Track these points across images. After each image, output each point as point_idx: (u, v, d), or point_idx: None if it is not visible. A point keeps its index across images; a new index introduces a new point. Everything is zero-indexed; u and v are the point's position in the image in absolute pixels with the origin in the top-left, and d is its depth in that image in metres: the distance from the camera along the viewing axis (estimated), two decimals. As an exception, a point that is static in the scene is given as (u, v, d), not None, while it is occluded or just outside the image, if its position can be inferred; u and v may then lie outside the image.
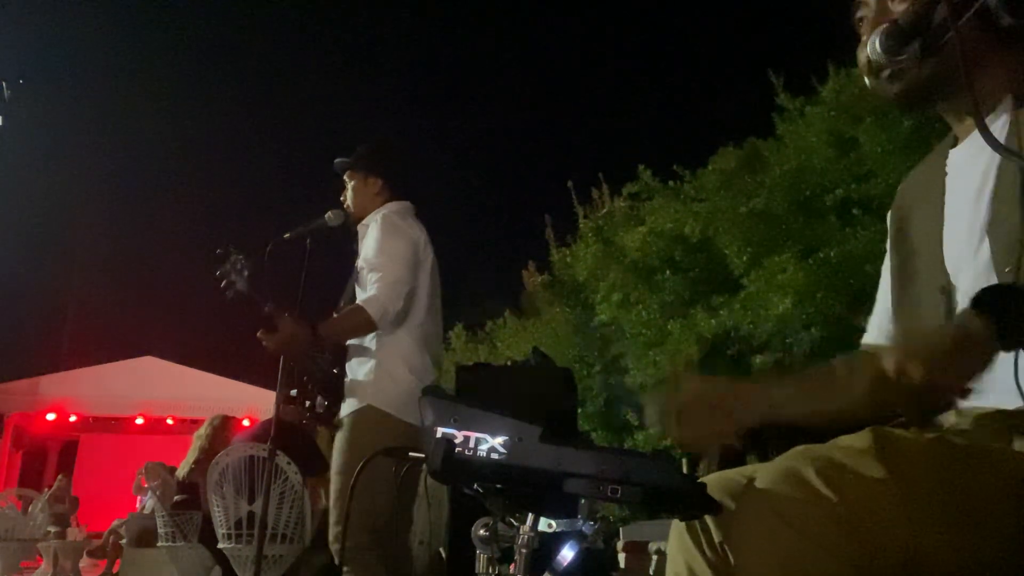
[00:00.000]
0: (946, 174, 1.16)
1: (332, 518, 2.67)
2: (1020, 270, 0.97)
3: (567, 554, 2.20)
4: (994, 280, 1.00)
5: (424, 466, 0.99)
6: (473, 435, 0.97)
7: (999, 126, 1.06)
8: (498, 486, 1.05)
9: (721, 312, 6.57)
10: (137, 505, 8.16)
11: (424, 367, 2.75)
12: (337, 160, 3.05)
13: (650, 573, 3.99)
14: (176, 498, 4.80)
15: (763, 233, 6.56)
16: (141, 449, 11.15)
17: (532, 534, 1.68)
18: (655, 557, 3.97)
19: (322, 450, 3.88)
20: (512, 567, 1.79)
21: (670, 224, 7.44)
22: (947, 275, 1.09)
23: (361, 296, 2.73)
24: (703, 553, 1.07)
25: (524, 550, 1.68)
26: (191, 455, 5.13)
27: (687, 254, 7.47)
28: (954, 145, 1.18)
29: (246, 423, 7.30)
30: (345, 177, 3.04)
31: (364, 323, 2.63)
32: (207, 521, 3.94)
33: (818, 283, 5.92)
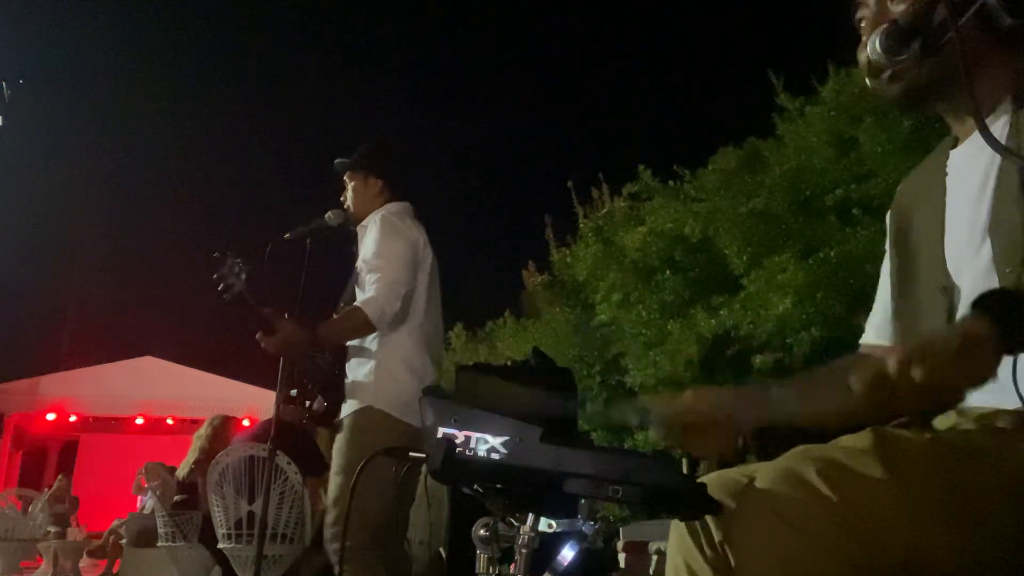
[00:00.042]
0: (946, 174, 1.16)
1: (329, 518, 2.67)
2: (1022, 271, 0.97)
3: (567, 554, 2.20)
4: (995, 280, 1.00)
5: (424, 466, 0.99)
6: (473, 435, 0.97)
7: (1000, 126, 1.06)
8: (498, 486, 1.05)
9: (721, 312, 6.57)
10: (137, 505, 8.16)
11: (424, 368, 2.75)
12: (337, 160, 3.05)
13: (650, 573, 3.99)
14: (176, 498, 4.80)
15: (763, 233, 6.56)
16: (141, 449, 11.16)
17: (532, 534, 1.68)
18: (655, 557, 3.98)
19: (322, 450, 3.87)
20: (512, 567, 1.80)
21: (670, 224, 7.44)
22: (948, 276, 1.09)
23: (360, 297, 2.73)
24: (703, 553, 1.07)
25: (524, 550, 1.68)
26: (191, 455, 5.13)
27: (687, 254, 7.47)
28: (954, 146, 1.18)
29: (246, 423, 7.30)
30: (345, 178, 3.04)
31: (363, 324, 2.63)
32: (207, 521, 3.94)
33: (818, 283, 5.92)
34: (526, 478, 0.96)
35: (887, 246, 1.28)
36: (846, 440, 0.91)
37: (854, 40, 1.21)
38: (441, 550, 3.67)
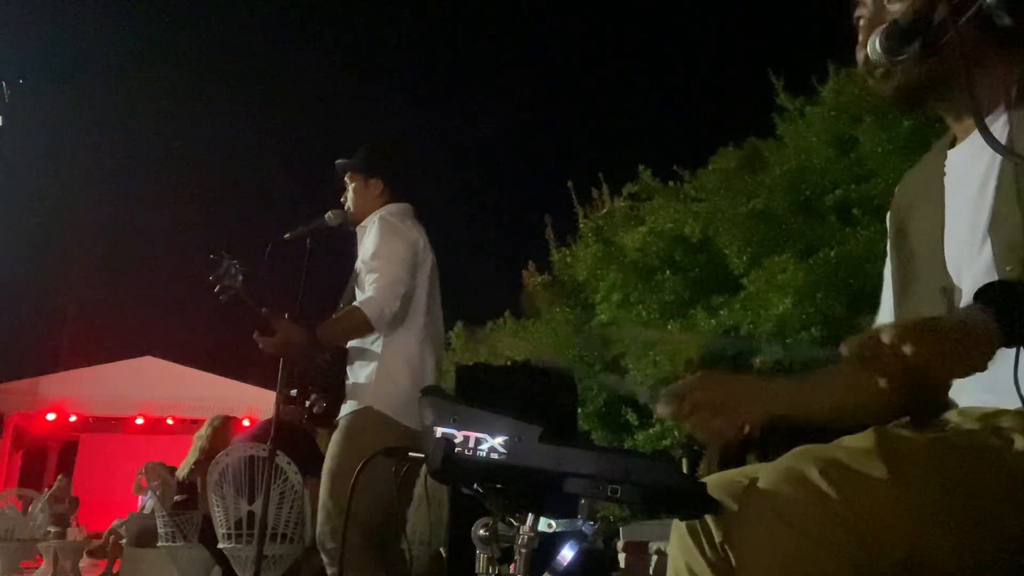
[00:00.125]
0: (945, 174, 1.16)
1: (321, 517, 2.66)
2: (1022, 270, 0.97)
3: (567, 554, 2.20)
4: (996, 278, 1.00)
5: (424, 466, 0.99)
6: (473, 435, 0.97)
7: (999, 126, 1.06)
8: (498, 486, 1.05)
9: (721, 312, 6.58)
10: (138, 505, 8.16)
11: (425, 369, 2.75)
12: (338, 161, 3.05)
13: (650, 573, 3.99)
14: (176, 498, 4.80)
15: (763, 233, 6.57)
16: (141, 449, 11.14)
17: (532, 534, 1.68)
18: (655, 557, 3.98)
19: (322, 450, 3.87)
20: (512, 567, 1.79)
21: (670, 224, 7.44)
22: (948, 276, 1.09)
23: (360, 297, 2.72)
24: (703, 553, 1.07)
25: (524, 550, 1.68)
26: (191, 455, 5.13)
27: (687, 254, 7.48)
28: (952, 145, 1.18)
29: (246, 423, 7.30)
30: (346, 178, 3.04)
31: (361, 324, 2.63)
32: (207, 521, 3.94)
33: (818, 283, 5.93)
34: (526, 478, 0.96)
35: (888, 247, 1.28)
36: (847, 440, 0.91)
37: (854, 40, 1.21)
38: (441, 550, 3.68)
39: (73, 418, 12.79)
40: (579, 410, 7.54)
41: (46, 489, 10.50)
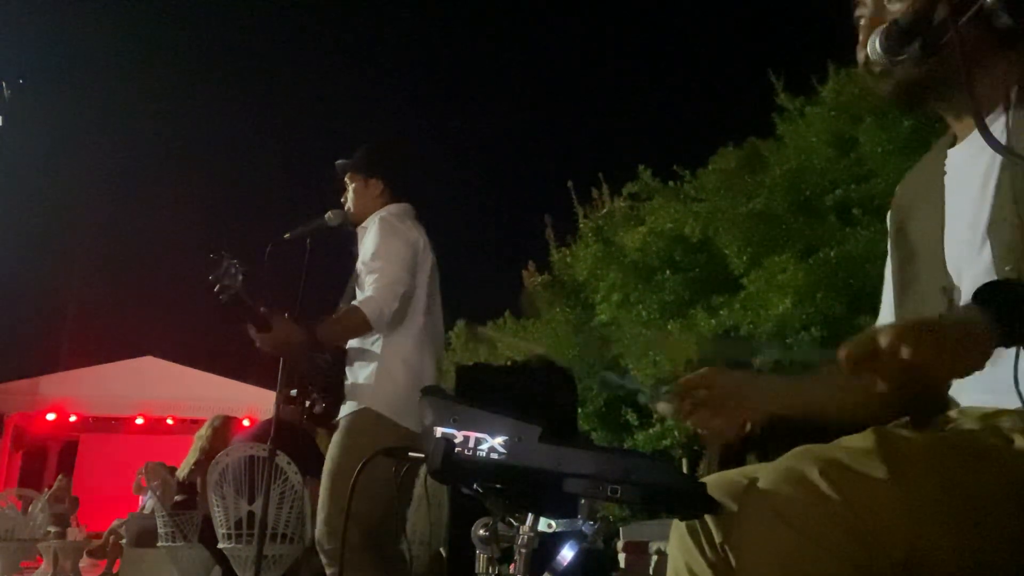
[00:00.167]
0: (945, 173, 1.15)
1: (320, 517, 2.66)
2: (1022, 271, 0.97)
3: (567, 554, 2.20)
4: (996, 279, 1.00)
5: (423, 467, 0.99)
6: (473, 435, 0.97)
7: (999, 126, 1.06)
8: (498, 486, 1.05)
9: (721, 312, 6.58)
10: (139, 505, 8.16)
11: (424, 370, 2.75)
12: (338, 162, 3.04)
13: (650, 573, 3.99)
14: (176, 498, 4.80)
15: (763, 233, 6.57)
16: (141, 449, 11.14)
17: (532, 534, 1.68)
18: (655, 557, 3.98)
19: (322, 451, 3.87)
20: (512, 567, 1.79)
21: (670, 224, 7.44)
22: (949, 276, 1.09)
23: (360, 297, 2.72)
24: (703, 553, 1.07)
25: (524, 550, 1.68)
26: (191, 456, 5.13)
27: (687, 254, 7.48)
28: (952, 144, 1.17)
29: (246, 423, 7.30)
30: (346, 179, 3.04)
31: (361, 324, 2.63)
32: (207, 521, 3.94)
33: (818, 283, 5.93)
34: (525, 478, 0.96)
35: (888, 246, 1.28)
36: (847, 440, 0.91)
37: (854, 40, 1.21)
38: (441, 550, 3.68)
39: (73, 418, 12.79)
40: (579, 410, 7.54)
41: (46, 489, 10.50)
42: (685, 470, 6.73)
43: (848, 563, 0.81)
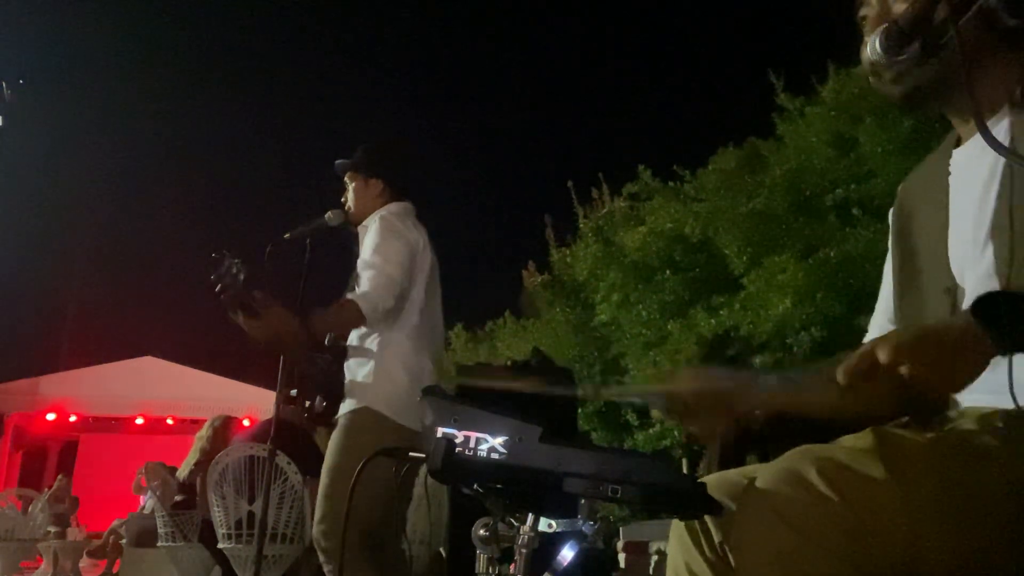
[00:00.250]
0: (949, 174, 1.15)
1: (317, 515, 2.66)
2: (1021, 272, 0.97)
3: (567, 554, 2.20)
4: (998, 282, 1.00)
5: (424, 466, 0.99)
6: (473, 435, 0.97)
7: (1003, 127, 1.06)
8: (498, 486, 1.05)
9: (721, 312, 6.57)
10: (138, 505, 8.16)
11: (422, 370, 2.75)
12: (338, 161, 3.05)
13: (650, 573, 3.99)
14: (176, 498, 4.80)
15: (763, 233, 6.57)
16: (141, 449, 11.15)
17: (532, 534, 1.68)
18: (655, 557, 3.98)
19: (322, 450, 3.87)
20: (512, 567, 1.80)
21: (670, 224, 7.43)
22: (952, 276, 1.09)
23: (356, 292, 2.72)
24: (703, 553, 1.07)
25: (524, 550, 1.68)
26: (192, 456, 5.13)
27: (687, 254, 7.47)
28: (957, 145, 1.17)
29: (246, 423, 7.30)
30: (346, 179, 3.04)
31: (355, 318, 2.62)
32: (207, 521, 3.94)
33: (818, 283, 5.92)
34: (526, 478, 0.96)
35: (890, 245, 1.28)
36: (847, 440, 0.91)
37: (854, 40, 1.21)
38: (441, 550, 3.68)
39: (73, 418, 12.80)
40: (579, 410, 7.54)
41: (46, 489, 10.50)
42: (685, 470, 6.73)
43: (847, 563, 0.81)
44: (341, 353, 2.84)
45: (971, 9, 0.99)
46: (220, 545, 3.68)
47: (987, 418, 0.97)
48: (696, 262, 7.39)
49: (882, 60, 1.07)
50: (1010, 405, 0.92)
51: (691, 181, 8.02)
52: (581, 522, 2.23)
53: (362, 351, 2.77)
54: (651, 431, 7.29)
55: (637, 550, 4.18)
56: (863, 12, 1.19)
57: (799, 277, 5.94)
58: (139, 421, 12.71)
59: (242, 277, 2.49)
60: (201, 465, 4.69)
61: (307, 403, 2.84)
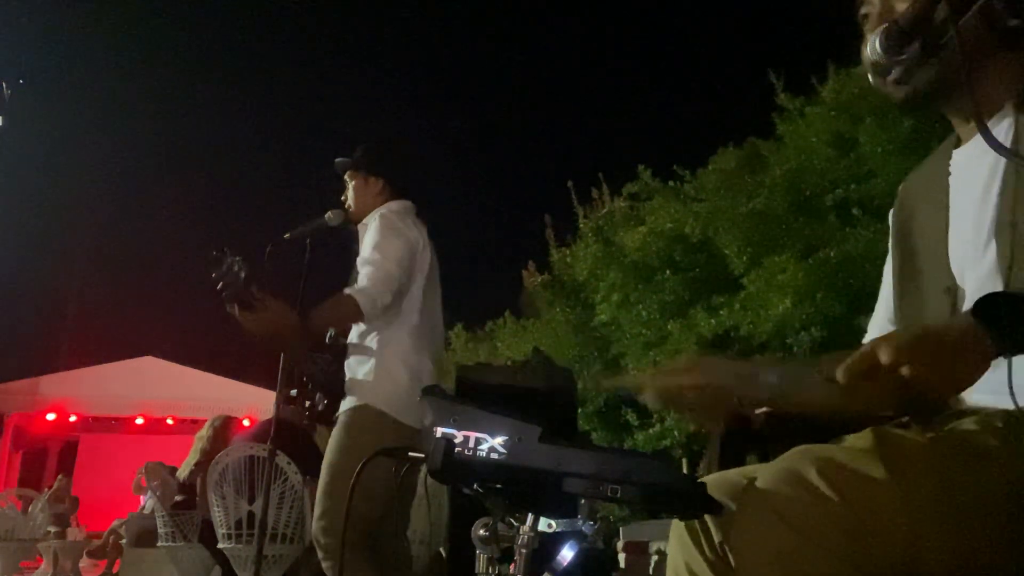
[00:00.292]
0: (949, 174, 1.15)
1: (316, 512, 2.67)
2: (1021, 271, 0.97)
3: (567, 554, 2.20)
4: (1000, 282, 1.00)
5: (423, 466, 0.99)
6: (473, 435, 0.97)
7: (1004, 127, 1.06)
8: (498, 486, 1.05)
9: (721, 312, 6.57)
10: (139, 505, 8.16)
11: (422, 369, 2.75)
12: (338, 160, 3.05)
13: (650, 573, 3.99)
14: (176, 498, 4.80)
15: (763, 233, 6.56)
16: (141, 449, 11.14)
17: (532, 534, 1.68)
18: (655, 557, 3.98)
19: (322, 450, 3.87)
20: (512, 567, 1.79)
21: (670, 224, 7.43)
22: (952, 276, 1.09)
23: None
24: (703, 553, 1.07)
25: (524, 550, 1.68)
26: (192, 456, 5.13)
27: (687, 254, 7.47)
28: (957, 145, 1.17)
29: (246, 423, 7.31)
30: (346, 177, 3.04)
31: (352, 312, 2.62)
32: (207, 521, 3.94)
33: (818, 283, 5.92)
34: (526, 478, 0.96)
35: (890, 245, 1.28)
36: (847, 440, 0.91)
37: (854, 40, 1.20)
38: (441, 550, 3.68)
39: (73, 418, 12.80)
40: (579, 410, 7.54)
41: (46, 489, 10.50)
42: (685, 470, 6.73)
43: (847, 563, 0.81)
44: (341, 352, 2.84)
45: (971, 9, 0.99)
46: (220, 545, 3.68)
47: (987, 418, 0.97)
48: (696, 262, 7.39)
49: (882, 60, 1.07)
50: (1010, 405, 0.92)
51: (691, 181, 8.02)
52: (581, 522, 2.23)
53: (362, 349, 2.77)
54: (651, 431, 7.28)
55: (637, 550, 4.18)
56: (864, 10, 1.19)
57: (799, 277, 5.94)
58: (139, 421, 12.71)
59: (243, 275, 2.49)
60: (201, 465, 4.69)
61: (307, 402, 2.84)
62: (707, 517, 1.06)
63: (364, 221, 2.92)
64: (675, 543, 1.12)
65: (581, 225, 9.55)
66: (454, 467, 0.95)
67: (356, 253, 2.88)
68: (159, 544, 4.44)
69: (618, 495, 0.92)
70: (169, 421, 12.75)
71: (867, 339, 1.30)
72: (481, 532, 2.43)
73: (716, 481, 1.08)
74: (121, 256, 23.86)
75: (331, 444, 2.70)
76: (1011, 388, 0.87)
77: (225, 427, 5.28)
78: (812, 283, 5.91)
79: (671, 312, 7.17)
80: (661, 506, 0.99)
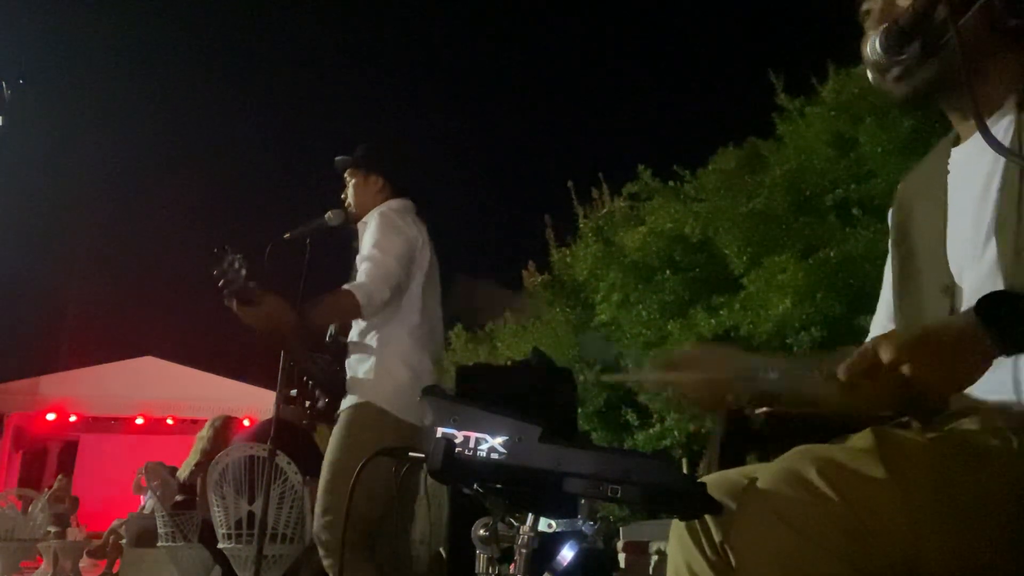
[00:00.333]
0: (948, 172, 1.15)
1: (318, 509, 2.67)
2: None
3: (567, 554, 2.20)
4: (999, 281, 1.00)
5: (424, 466, 0.99)
6: (473, 435, 0.97)
7: (1003, 126, 1.06)
8: (498, 486, 1.05)
9: (721, 312, 6.57)
10: (139, 505, 8.16)
11: (423, 367, 2.76)
12: (338, 158, 3.05)
13: (650, 573, 3.99)
14: (176, 498, 4.80)
15: (763, 233, 6.56)
16: (141, 449, 11.14)
17: (532, 534, 1.69)
18: (655, 557, 3.98)
19: (322, 450, 3.87)
20: (512, 567, 1.80)
21: (670, 224, 7.43)
22: (950, 275, 1.09)
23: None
24: (703, 553, 1.07)
25: (524, 550, 1.68)
26: (193, 456, 5.13)
27: (687, 254, 7.47)
28: (956, 143, 1.17)
29: (246, 423, 7.31)
30: (346, 175, 3.05)
31: (351, 307, 2.62)
32: (207, 521, 3.94)
33: (818, 283, 5.92)
34: (526, 478, 0.96)
35: (889, 245, 1.28)
36: (847, 440, 0.91)
37: (855, 39, 1.20)
38: (441, 550, 3.67)
39: (73, 418, 12.80)
40: (579, 410, 7.54)
41: (46, 489, 10.50)
42: (685, 470, 6.72)
43: (847, 563, 0.81)
44: (341, 351, 2.84)
45: (971, 9, 0.99)
46: (220, 545, 3.68)
47: (988, 418, 0.97)
48: (696, 262, 7.39)
49: (882, 60, 1.07)
50: (1011, 404, 0.92)
51: (691, 181, 8.02)
52: (581, 522, 2.23)
53: (363, 348, 2.77)
54: (651, 431, 7.29)
55: (637, 550, 4.18)
56: (866, 6, 1.19)
57: (799, 277, 5.94)
58: (139, 421, 12.71)
59: (243, 272, 2.50)
60: (202, 466, 4.69)
61: (307, 402, 2.84)
62: (707, 517, 1.06)
63: (364, 219, 2.92)
64: (675, 542, 1.12)
65: (581, 225, 9.55)
66: (454, 467, 0.95)
67: (356, 252, 2.89)
68: (159, 544, 4.44)
69: (618, 495, 0.92)
70: (169, 421, 12.75)
71: (869, 339, 1.30)
72: (481, 532, 2.42)
73: (716, 481, 1.08)
74: (121, 256, 23.88)
75: (332, 442, 2.70)
76: (1014, 388, 0.87)
77: (226, 427, 5.28)
78: (812, 283, 5.91)
79: (671, 312, 7.17)
80: (661, 506, 0.99)
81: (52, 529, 8.45)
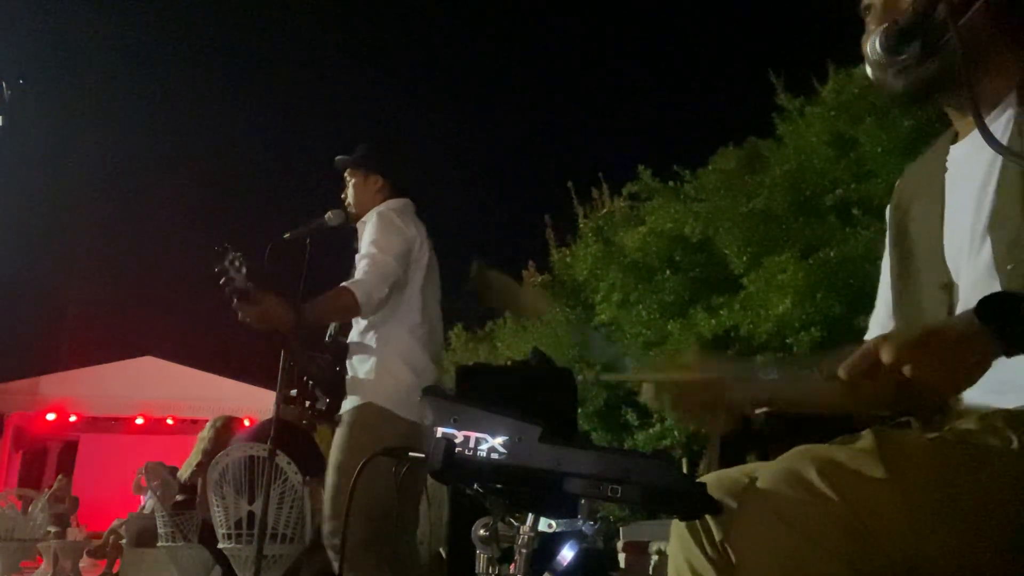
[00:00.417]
0: (946, 170, 1.15)
1: (326, 513, 2.67)
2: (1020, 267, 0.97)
3: (567, 554, 2.20)
4: (996, 279, 1.00)
5: (425, 466, 0.99)
6: (473, 435, 0.97)
7: (1002, 124, 1.06)
8: (498, 486, 1.05)
9: (721, 312, 6.58)
10: (139, 505, 8.16)
11: (424, 366, 2.76)
12: (338, 158, 3.05)
13: (650, 573, 3.99)
14: (177, 498, 4.79)
15: (763, 233, 6.57)
16: (141, 449, 11.13)
17: (532, 534, 1.68)
18: (655, 557, 3.98)
19: (322, 450, 3.87)
20: (512, 567, 1.80)
21: (670, 224, 7.44)
22: (948, 272, 1.09)
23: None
24: (704, 552, 1.07)
25: (524, 550, 1.68)
26: (194, 457, 5.13)
27: (687, 254, 7.47)
28: (954, 141, 1.17)
29: (246, 423, 7.31)
30: (346, 175, 3.05)
31: (349, 305, 2.63)
32: (207, 521, 3.94)
33: (818, 283, 5.93)
34: (526, 478, 0.96)
35: (887, 242, 1.28)
36: (847, 440, 0.91)
37: (855, 39, 1.20)
38: (441, 550, 3.67)
39: (73, 418, 12.78)
40: (579, 410, 7.54)
41: (46, 489, 10.50)
42: (685, 470, 6.72)
43: (847, 563, 0.81)
44: (342, 351, 2.84)
45: (971, 9, 0.99)
46: (220, 545, 3.68)
47: (987, 418, 0.97)
48: (696, 262, 7.40)
49: (882, 60, 1.07)
50: (1010, 404, 0.92)
51: (691, 181, 8.03)
52: (581, 522, 2.23)
53: (363, 348, 2.77)
54: (651, 431, 7.29)
55: (637, 550, 4.18)
56: (867, 2, 1.19)
57: (799, 277, 5.95)
58: (139, 421, 12.70)
59: (243, 270, 2.50)
60: (203, 466, 4.68)
61: (308, 402, 2.84)
62: (708, 516, 1.06)
63: (363, 219, 2.92)
64: (676, 541, 1.12)
65: (581, 225, 9.56)
66: (454, 467, 0.95)
67: (356, 252, 2.89)
68: (159, 544, 4.44)
69: (618, 495, 0.92)
70: (169, 421, 12.74)
71: (868, 337, 1.30)
72: (481, 532, 2.42)
73: (717, 479, 1.08)
74: (121, 256, 23.88)
75: (336, 444, 2.70)
76: (1015, 388, 0.87)
77: (226, 427, 5.28)
78: (812, 283, 5.92)
79: (671, 312, 7.18)
80: (661, 506, 0.99)
81: (52, 529, 8.45)
